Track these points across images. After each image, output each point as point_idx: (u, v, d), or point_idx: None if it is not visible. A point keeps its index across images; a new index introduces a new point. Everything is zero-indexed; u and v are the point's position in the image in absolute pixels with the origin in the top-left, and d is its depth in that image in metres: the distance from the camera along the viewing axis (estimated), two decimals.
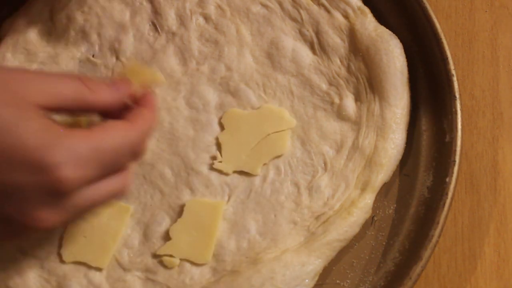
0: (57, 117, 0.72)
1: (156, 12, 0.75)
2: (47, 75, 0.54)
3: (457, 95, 0.68)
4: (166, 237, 0.67)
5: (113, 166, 0.53)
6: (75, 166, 0.48)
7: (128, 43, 0.74)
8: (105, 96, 0.55)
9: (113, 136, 0.52)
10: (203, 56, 0.73)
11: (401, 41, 0.72)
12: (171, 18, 0.75)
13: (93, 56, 0.75)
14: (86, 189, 0.51)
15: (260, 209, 0.68)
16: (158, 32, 0.75)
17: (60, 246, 0.67)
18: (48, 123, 0.50)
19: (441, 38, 0.70)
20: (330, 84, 0.71)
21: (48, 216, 0.49)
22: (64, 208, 0.50)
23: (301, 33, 0.73)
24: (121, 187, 0.55)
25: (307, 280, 0.64)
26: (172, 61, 0.73)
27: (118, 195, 0.55)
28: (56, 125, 0.50)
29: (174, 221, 0.67)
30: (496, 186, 0.72)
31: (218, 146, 0.70)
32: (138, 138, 0.55)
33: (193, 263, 0.66)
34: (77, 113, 0.57)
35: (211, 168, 0.69)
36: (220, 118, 0.71)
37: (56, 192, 0.49)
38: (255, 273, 0.64)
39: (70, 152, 0.48)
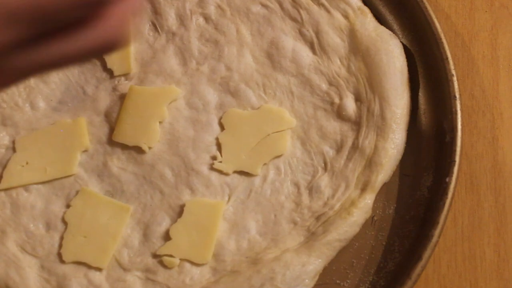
0: (57, 117, 0.72)
1: (156, 12, 0.75)
2: None
3: (457, 95, 0.68)
4: (166, 237, 0.67)
5: (60, 22, 0.41)
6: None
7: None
8: None
9: None
10: (203, 56, 0.73)
11: (401, 41, 0.72)
12: (171, 18, 0.75)
13: None
14: (19, 52, 0.41)
15: (260, 209, 0.68)
16: (158, 32, 0.75)
17: (60, 246, 0.67)
18: None
19: (441, 38, 0.70)
20: (330, 84, 0.71)
21: None
22: None
23: (301, 33, 0.73)
24: (99, 37, 0.43)
25: (307, 280, 0.64)
26: (172, 61, 0.73)
27: (101, 47, 0.43)
28: None
29: (174, 221, 0.67)
30: (496, 186, 0.72)
31: (218, 146, 0.70)
32: None
33: (193, 263, 0.66)
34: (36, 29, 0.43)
35: (211, 168, 0.69)
36: (220, 118, 0.71)
37: None
38: (255, 273, 0.64)
39: None
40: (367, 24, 0.72)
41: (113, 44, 0.44)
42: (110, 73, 0.74)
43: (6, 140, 0.71)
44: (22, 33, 0.40)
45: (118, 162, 0.70)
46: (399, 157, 0.68)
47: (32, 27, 0.40)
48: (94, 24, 0.42)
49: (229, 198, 0.68)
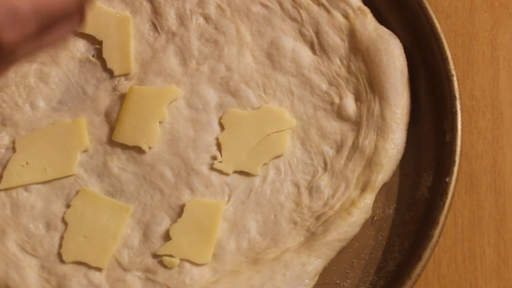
0: (57, 117, 0.72)
1: (156, 12, 0.75)
2: None
3: (457, 95, 0.68)
4: (166, 237, 0.67)
5: (53, 19, 0.54)
6: (13, 28, 0.50)
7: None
8: None
9: None
10: (203, 56, 0.73)
11: (401, 41, 0.72)
12: (171, 18, 0.75)
13: (93, 56, 0.75)
14: (26, 43, 0.52)
15: (260, 209, 0.68)
16: (158, 32, 0.75)
17: (60, 246, 0.67)
18: None
19: (441, 38, 0.70)
20: (330, 84, 0.71)
21: None
22: (5, 63, 0.53)
23: (301, 33, 0.73)
24: (65, 33, 0.57)
25: (307, 280, 0.64)
26: (172, 61, 0.73)
27: (60, 41, 0.57)
28: None
29: (174, 221, 0.67)
30: (496, 186, 0.72)
31: (218, 146, 0.70)
32: None
33: (193, 263, 0.66)
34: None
35: (211, 168, 0.69)
36: (220, 118, 0.71)
37: None
38: (255, 273, 0.64)
39: (8, 13, 0.49)
40: (367, 24, 0.72)
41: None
42: (110, 73, 0.74)
43: (6, 140, 0.71)
44: (31, 29, 0.52)
45: (118, 162, 0.70)
46: (399, 157, 0.68)
47: (36, 25, 0.52)
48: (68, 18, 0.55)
49: (229, 198, 0.68)
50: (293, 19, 0.74)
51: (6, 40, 0.50)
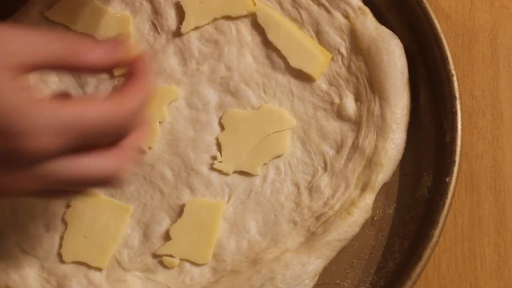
0: None
1: (156, 12, 0.75)
2: (35, 33, 0.47)
3: (457, 95, 0.68)
4: (166, 237, 0.67)
5: (93, 143, 0.48)
6: (43, 136, 0.44)
7: None
8: (99, 56, 0.48)
9: (97, 109, 0.46)
10: (203, 56, 0.73)
11: (401, 41, 0.72)
12: (171, 18, 0.75)
13: None
14: (60, 161, 0.46)
15: (260, 209, 0.68)
16: (158, 32, 0.75)
17: (60, 246, 0.67)
18: (21, 86, 0.44)
19: (441, 38, 0.70)
20: (330, 84, 0.71)
21: (9, 183, 0.46)
22: (29, 177, 0.46)
23: None
24: (110, 169, 0.49)
25: (307, 280, 0.64)
26: (172, 61, 0.73)
27: (106, 179, 0.49)
28: (31, 89, 0.45)
29: (174, 221, 0.67)
30: (496, 186, 0.72)
31: (218, 146, 0.70)
32: (127, 115, 0.49)
33: (193, 263, 0.66)
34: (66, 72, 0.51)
35: (211, 168, 0.69)
36: (220, 118, 0.71)
37: (17, 160, 0.44)
38: (255, 273, 0.64)
39: (41, 119, 0.44)
40: (368, 24, 0.72)
41: (116, 178, 0.49)
42: (110, 73, 0.73)
43: None
44: (65, 144, 0.45)
45: None
46: (399, 157, 0.68)
47: (74, 142, 0.46)
48: (109, 150, 0.50)
49: (229, 198, 0.68)
50: (293, 19, 0.74)
51: (28, 146, 0.44)
